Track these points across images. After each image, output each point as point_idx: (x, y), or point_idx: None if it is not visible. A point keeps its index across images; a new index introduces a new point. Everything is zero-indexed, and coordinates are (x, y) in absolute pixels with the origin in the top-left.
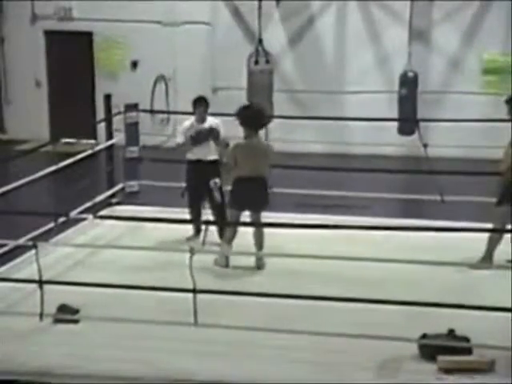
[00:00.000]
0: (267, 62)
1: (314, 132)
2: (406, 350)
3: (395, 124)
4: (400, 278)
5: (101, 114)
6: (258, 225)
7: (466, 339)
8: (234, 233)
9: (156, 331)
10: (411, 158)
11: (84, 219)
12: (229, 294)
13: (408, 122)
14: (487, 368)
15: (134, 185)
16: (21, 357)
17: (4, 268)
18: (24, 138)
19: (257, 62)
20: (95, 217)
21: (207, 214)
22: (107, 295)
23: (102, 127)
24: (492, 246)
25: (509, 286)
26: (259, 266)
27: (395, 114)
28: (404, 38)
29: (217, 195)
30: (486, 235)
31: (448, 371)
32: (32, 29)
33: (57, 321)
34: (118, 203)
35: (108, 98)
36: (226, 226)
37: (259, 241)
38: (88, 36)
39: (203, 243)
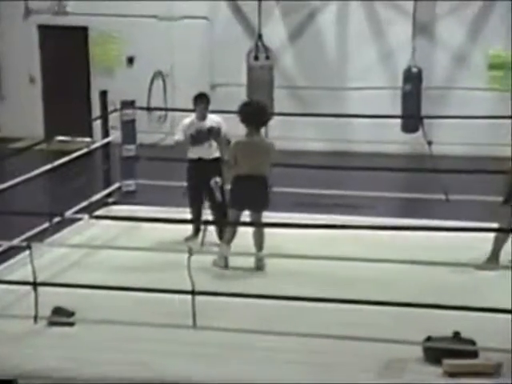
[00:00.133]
0: (267, 57)
1: (316, 129)
2: (411, 352)
3: (399, 121)
4: (404, 278)
5: (96, 111)
6: (257, 225)
7: (472, 342)
8: (234, 233)
9: (153, 333)
10: (415, 156)
11: (79, 219)
12: (228, 296)
13: (412, 118)
14: (493, 371)
15: (130, 184)
16: (15, 360)
17: None
18: (17, 135)
19: (256, 58)
20: (91, 217)
21: (206, 214)
22: (103, 297)
23: (97, 125)
24: (498, 246)
25: None
26: (259, 266)
27: (399, 111)
28: (408, 33)
29: (218, 194)
30: (492, 235)
31: (453, 375)
32: (25, 23)
33: (51, 323)
34: (115, 203)
35: (104, 94)
36: (226, 226)
37: (259, 241)
38: (83, 31)
39: (202, 243)
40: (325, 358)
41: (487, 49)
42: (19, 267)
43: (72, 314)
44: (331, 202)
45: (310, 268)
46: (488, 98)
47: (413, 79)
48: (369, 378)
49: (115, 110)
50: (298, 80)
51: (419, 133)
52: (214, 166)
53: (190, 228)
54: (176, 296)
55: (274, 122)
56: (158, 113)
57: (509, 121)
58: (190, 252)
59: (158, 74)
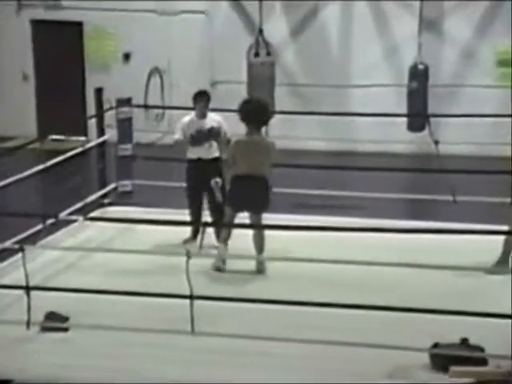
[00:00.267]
0: (268, 53)
1: (318, 128)
2: (417, 359)
3: (404, 120)
4: (409, 283)
5: (91, 109)
6: (257, 227)
7: (481, 349)
8: (230, 231)
9: (149, 339)
10: (421, 155)
11: (74, 221)
12: (227, 301)
13: (418, 117)
14: (503, 379)
15: (126, 184)
16: (6, 367)
17: None
18: (10, 134)
19: (257, 54)
20: (86, 218)
21: (206, 216)
22: (98, 301)
23: (92, 123)
24: (508, 249)
25: None
26: (260, 270)
27: (404, 109)
28: (414, 28)
29: (218, 195)
30: (502, 238)
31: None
32: (18, 18)
33: (44, 329)
34: (110, 204)
35: (99, 92)
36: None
37: (259, 244)
38: (78, 26)
39: (201, 246)
40: (327, 365)
41: (496, 45)
42: (11, 270)
43: (66, 319)
44: (334, 204)
45: (313, 271)
46: (497, 95)
47: (419, 76)
48: None
49: (111, 108)
50: (300, 77)
51: (425, 132)
52: (213, 166)
53: (188, 230)
54: (174, 300)
55: (275, 120)
56: (156, 111)
57: None
58: (189, 255)
59: (156, 71)
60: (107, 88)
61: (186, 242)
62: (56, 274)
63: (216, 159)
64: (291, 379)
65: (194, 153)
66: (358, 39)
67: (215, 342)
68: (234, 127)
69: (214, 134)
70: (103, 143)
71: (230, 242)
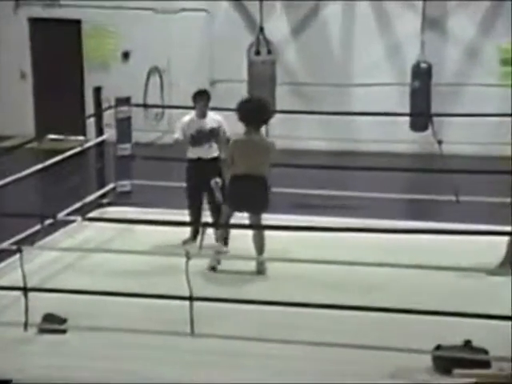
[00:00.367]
0: (269, 52)
1: (320, 128)
2: (419, 362)
3: (407, 119)
4: (412, 284)
5: (90, 108)
6: (257, 227)
7: (484, 351)
8: (227, 231)
9: (148, 341)
10: (424, 155)
11: (72, 221)
12: (227, 302)
13: (421, 116)
14: (507, 382)
15: (125, 184)
16: (3, 368)
17: None
18: (7, 133)
19: (258, 53)
20: (84, 219)
21: (206, 216)
22: (96, 303)
23: (91, 122)
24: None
25: None
26: (260, 271)
27: (407, 109)
28: (417, 27)
29: (218, 195)
30: (505, 239)
31: None
32: (15, 16)
33: (42, 331)
34: (109, 204)
35: (98, 91)
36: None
37: (259, 245)
38: (76, 24)
39: (200, 247)
40: (329, 367)
41: (499, 44)
42: (9, 271)
43: (64, 320)
44: (336, 204)
45: (314, 272)
46: (500, 94)
47: (422, 75)
48: None
49: (110, 107)
50: (301, 76)
51: (428, 131)
52: (213, 165)
53: (187, 230)
54: (173, 302)
55: (276, 119)
56: (155, 110)
57: None
58: (188, 256)
59: (155, 70)
60: (106, 87)
61: (185, 242)
62: (54, 274)
63: (216, 159)
64: (291, 381)
65: (193, 153)
66: (359, 38)
67: (214, 344)
68: (235, 126)
69: (215, 134)
70: (102, 143)
71: (230, 243)
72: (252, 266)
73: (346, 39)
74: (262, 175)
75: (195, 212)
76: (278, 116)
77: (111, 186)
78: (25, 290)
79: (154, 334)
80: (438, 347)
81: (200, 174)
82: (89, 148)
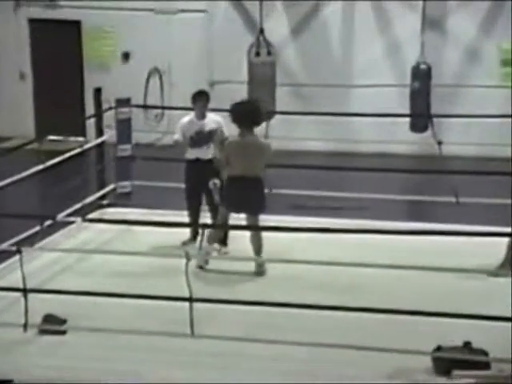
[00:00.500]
0: (269, 53)
1: (319, 129)
2: (419, 363)
3: (407, 120)
4: (411, 285)
5: (90, 109)
6: (255, 228)
7: (484, 352)
8: (225, 233)
9: (147, 342)
10: (424, 156)
11: (72, 222)
12: (226, 303)
13: (421, 117)
14: (506, 383)
15: (126, 185)
16: (3, 369)
17: None
18: (7, 134)
19: (258, 54)
20: (84, 220)
21: (206, 217)
22: (96, 304)
23: (91, 123)
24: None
25: None
26: (259, 272)
27: (407, 110)
28: (417, 27)
29: (216, 196)
30: (506, 240)
31: None
32: (15, 17)
33: (42, 332)
34: (109, 205)
35: (98, 92)
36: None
37: (257, 246)
38: (76, 25)
39: (200, 248)
40: (329, 368)
41: (499, 44)
42: (8, 272)
43: (64, 321)
44: (336, 205)
45: (313, 274)
46: (501, 95)
47: (422, 76)
48: None
49: (110, 108)
50: (301, 77)
51: (428, 132)
52: (212, 166)
53: (187, 231)
54: (173, 303)
55: (276, 120)
56: (155, 111)
57: None
58: (188, 257)
59: (155, 71)
60: (106, 88)
61: (184, 243)
62: (54, 276)
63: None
64: (290, 381)
65: (192, 153)
66: (359, 39)
67: (213, 345)
68: (234, 128)
69: (213, 135)
70: (102, 144)
71: (229, 244)
72: (251, 266)
73: (346, 40)
74: (257, 176)
75: (194, 213)
76: (277, 117)
77: (111, 186)
78: (24, 291)
79: (152, 335)
80: (438, 348)
81: (198, 175)
82: (89, 149)
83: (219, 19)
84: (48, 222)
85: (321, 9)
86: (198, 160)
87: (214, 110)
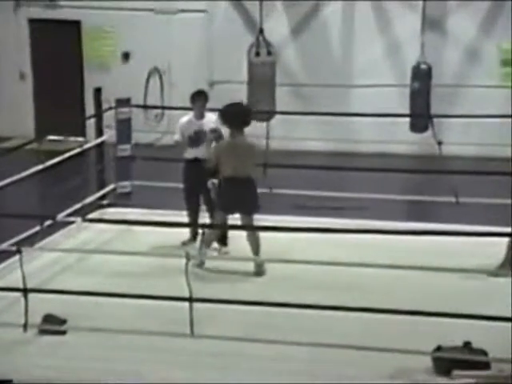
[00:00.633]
0: (269, 53)
1: (319, 129)
2: (419, 363)
3: (407, 120)
4: (411, 285)
5: (90, 109)
6: (250, 228)
7: (484, 352)
8: (216, 236)
9: (148, 342)
10: (424, 156)
11: (72, 222)
12: (226, 303)
13: (421, 117)
14: (504, 383)
15: (125, 185)
16: (3, 370)
17: None
18: (7, 134)
19: (258, 54)
20: (84, 220)
21: (205, 217)
22: (96, 304)
23: (91, 123)
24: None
25: None
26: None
27: (407, 110)
28: (417, 27)
29: (214, 196)
30: (505, 240)
31: None
32: (15, 17)
33: (42, 332)
34: (109, 205)
35: (98, 92)
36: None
37: (255, 245)
38: (76, 25)
39: (201, 248)
40: (328, 368)
41: (500, 44)
42: (8, 272)
43: (64, 321)
44: (336, 205)
45: (313, 274)
46: (501, 95)
47: (422, 76)
48: None
49: (110, 108)
50: (301, 77)
51: (428, 132)
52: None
53: (187, 231)
54: (173, 303)
55: (276, 120)
56: (155, 111)
57: None
58: (188, 257)
59: (155, 71)
60: (106, 88)
61: (184, 243)
62: (54, 276)
63: None
64: (290, 381)
65: (190, 153)
66: (359, 38)
67: (213, 345)
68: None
69: (214, 135)
70: (102, 144)
71: (229, 244)
72: (251, 266)
73: (346, 40)
74: (248, 176)
75: (193, 213)
76: (277, 117)
77: (111, 186)
78: (24, 291)
79: (153, 335)
80: (438, 348)
81: (197, 174)
82: (89, 149)
83: (219, 19)
84: (48, 222)
85: (321, 9)
86: (196, 160)
87: (213, 110)
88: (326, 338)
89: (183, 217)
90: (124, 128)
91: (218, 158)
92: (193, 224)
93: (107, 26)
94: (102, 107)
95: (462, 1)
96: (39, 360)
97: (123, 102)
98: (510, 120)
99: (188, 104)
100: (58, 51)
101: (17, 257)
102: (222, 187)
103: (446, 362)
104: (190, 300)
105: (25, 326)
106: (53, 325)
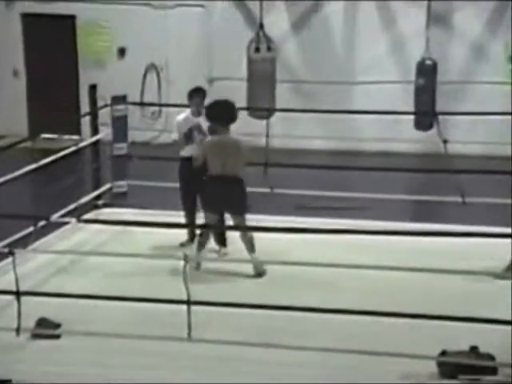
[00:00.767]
0: (269, 49)
1: (321, 127)
2: (424, 367)
3: (411, 118)
4: (416, 288)
5: (85, 106)
6: (241, 229)
7: (491, 357)
8: (208, 237)
9: (143, 346)
10: (429, 155)
11: (67, 223)
12: (225, 306)
13: (426, 115)
14: None
15: (122, 185)
16: None
17: None
18: (0, 133)
19: (258, 50)
20: (79, 220)
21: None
22: (91, 307)
23: (86, 121)
24: None
25: None
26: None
27: (411, 107)
28: (422, 23)
29: None
30: None
31: None
32: (8, 11)
33: (35, 336)
34: (105, 205)
35: (93, 88)
36: (224, 231)
37: (249, 244)
38: (70, 19)
39: (198, 249)
40: (330, 373)
41: (507, 40)
42: (1, 275)
43: (58, 325)
44: (339, 205)
45: (315, 276)
46: (508, 93)
47: (427, 72)
48: None
49: (105, 106)
50: (302, 73)
51: (433, 130)
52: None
53: (185, 232)
54: (170, 306)
55: (276, 118)
56: (152, 108)
57: None
58: (186, 259)
59: (152, 67)
60: (101, 84)
61: (182, 244)
62: (48, 278)
63: None
64: None
65: (186, 151)
66: (362, 34)
67: (211, 349)
68: (233, 126)
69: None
70: (97, 142)
71: (228, 245)
72: (251, 266)
73: (349, 35)
74: (235, 175)
75: (190, 214)
76: (278, 114)
77: (107, 186)
78: (17, 293)
79: (149, 339)
80: (444, 353)
81: (192, 173)
82: (84, 147)
83: (218, 14)
84: (42, 223)
85: (323, 3)
86: (192, 158)
87: None
88: (327, 342)
89: (180, 217)
90: (120, 126)
91: (204, 156)
92: (190, 225)
93: (103, 21)
94: (98, 104)
95: None
96: (32, 365)
97: (119, 99)
98: None
99: (186, 101)
100: (52, 47)
101: (9, 259)
102: (207, 186)
103: (451, 366)
104: (188, 303)
105: (17, 330)
106: (46, 329)
